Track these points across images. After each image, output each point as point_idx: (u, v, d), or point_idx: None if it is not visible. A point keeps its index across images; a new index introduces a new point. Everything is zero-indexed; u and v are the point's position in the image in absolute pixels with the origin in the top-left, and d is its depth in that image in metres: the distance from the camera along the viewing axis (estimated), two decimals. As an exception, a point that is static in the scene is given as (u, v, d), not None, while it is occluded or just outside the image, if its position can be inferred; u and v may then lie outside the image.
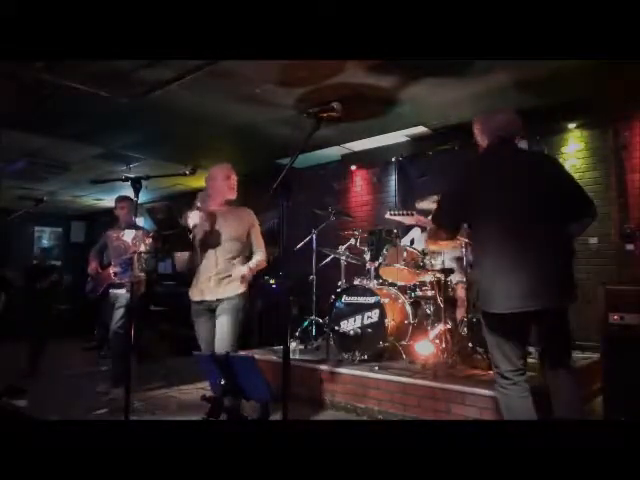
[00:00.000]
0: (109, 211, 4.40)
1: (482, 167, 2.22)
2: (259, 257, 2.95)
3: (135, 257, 2.51)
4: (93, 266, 4.29)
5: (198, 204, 2.94)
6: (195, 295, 2.90)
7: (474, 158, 2.29)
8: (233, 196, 3.02)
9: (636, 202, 4.17)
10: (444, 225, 2.29)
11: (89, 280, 4.33)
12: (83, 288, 4.43)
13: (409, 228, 5.82)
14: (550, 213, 2.05)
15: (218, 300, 2.82)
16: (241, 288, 2.86)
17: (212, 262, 2.86)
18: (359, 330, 3.97)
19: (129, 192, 3.03)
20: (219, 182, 2.96)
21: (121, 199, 4.37)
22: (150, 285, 4.48)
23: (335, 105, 1.73)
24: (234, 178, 3.01)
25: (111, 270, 4.10)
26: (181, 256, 2.94)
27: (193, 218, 2.83)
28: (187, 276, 2.93)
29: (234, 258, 2.90)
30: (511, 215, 2.05)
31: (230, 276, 2.83)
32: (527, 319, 2.09)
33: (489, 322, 2.16)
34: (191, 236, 2.88)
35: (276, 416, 2.81)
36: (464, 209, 2.18)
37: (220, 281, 2.83)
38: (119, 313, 4.05)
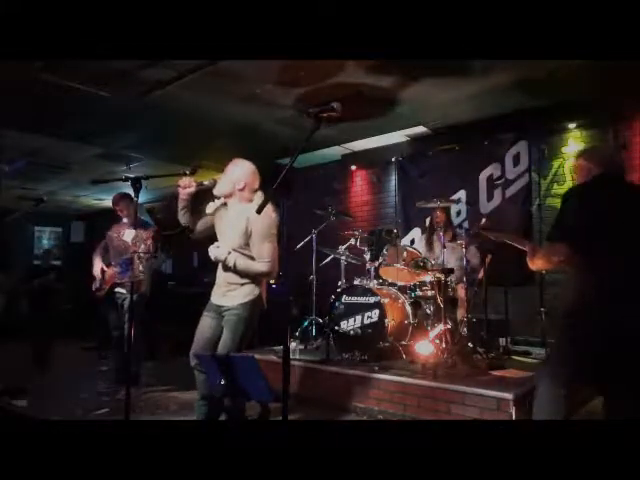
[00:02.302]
0: (109, 211, 4.33)
1: (599, 197, 2.28)
2: (257, 265, 2.59)
3: (135, 257, 2.49)
4: (98, 267, 4.27)
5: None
6: (211, 295, 2.80)
7: (588, 187, 2.33)
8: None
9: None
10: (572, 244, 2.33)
11: (96, 280, 4.30)
12: (83, 288, 4.41)
13: (409, 228, 5.84)
14: None
15: (224, 306, 2.68)
16: (247, 297, 2.63)
17: (219, 267, 2.72)
18: (359, 330, 3.96)
19: (126, 191, 2.96)
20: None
21: (119, 199, 4.27)
22: (156, 285, 4.46)
23: (335, 105, 1.73)
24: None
25: (112, 270, 4.09)
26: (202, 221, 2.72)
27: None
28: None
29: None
30: (620, 245, 2.14)
31: (235, 284, 2.64)
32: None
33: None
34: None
35: (277, 416, 2.82)
36: (583, 234, 2.25)
37: (226, 288, 2.68)
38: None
